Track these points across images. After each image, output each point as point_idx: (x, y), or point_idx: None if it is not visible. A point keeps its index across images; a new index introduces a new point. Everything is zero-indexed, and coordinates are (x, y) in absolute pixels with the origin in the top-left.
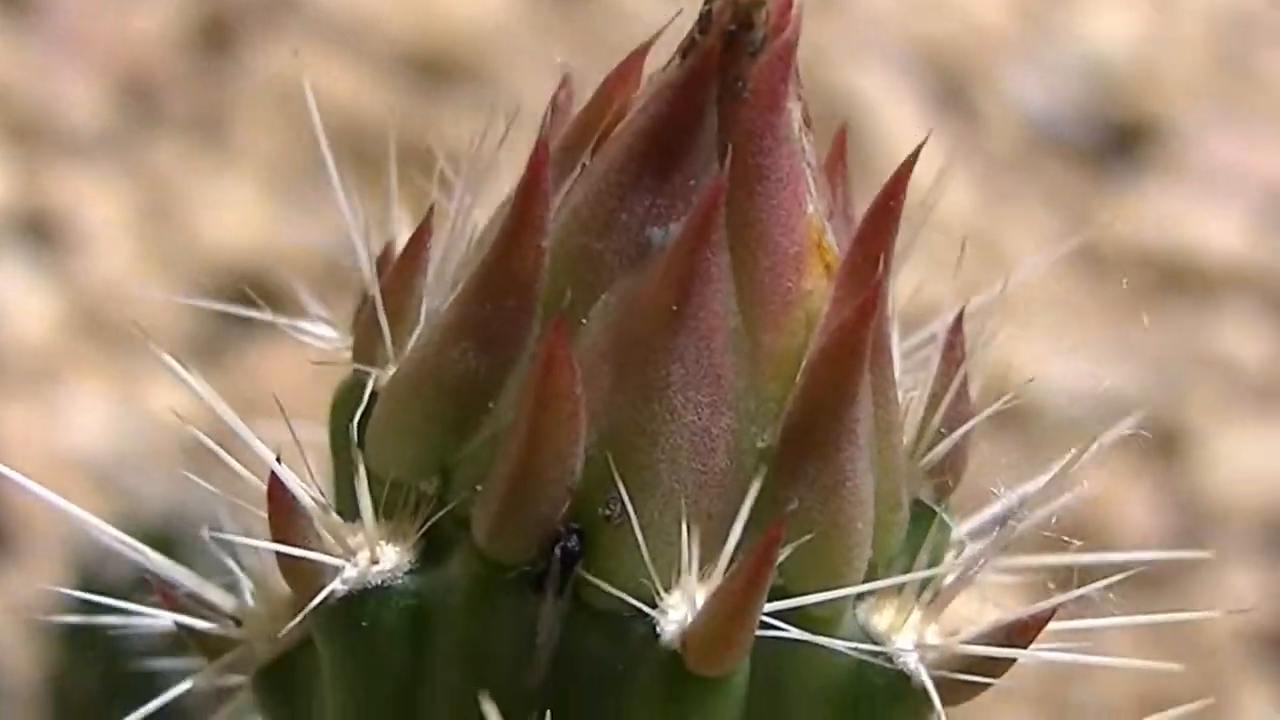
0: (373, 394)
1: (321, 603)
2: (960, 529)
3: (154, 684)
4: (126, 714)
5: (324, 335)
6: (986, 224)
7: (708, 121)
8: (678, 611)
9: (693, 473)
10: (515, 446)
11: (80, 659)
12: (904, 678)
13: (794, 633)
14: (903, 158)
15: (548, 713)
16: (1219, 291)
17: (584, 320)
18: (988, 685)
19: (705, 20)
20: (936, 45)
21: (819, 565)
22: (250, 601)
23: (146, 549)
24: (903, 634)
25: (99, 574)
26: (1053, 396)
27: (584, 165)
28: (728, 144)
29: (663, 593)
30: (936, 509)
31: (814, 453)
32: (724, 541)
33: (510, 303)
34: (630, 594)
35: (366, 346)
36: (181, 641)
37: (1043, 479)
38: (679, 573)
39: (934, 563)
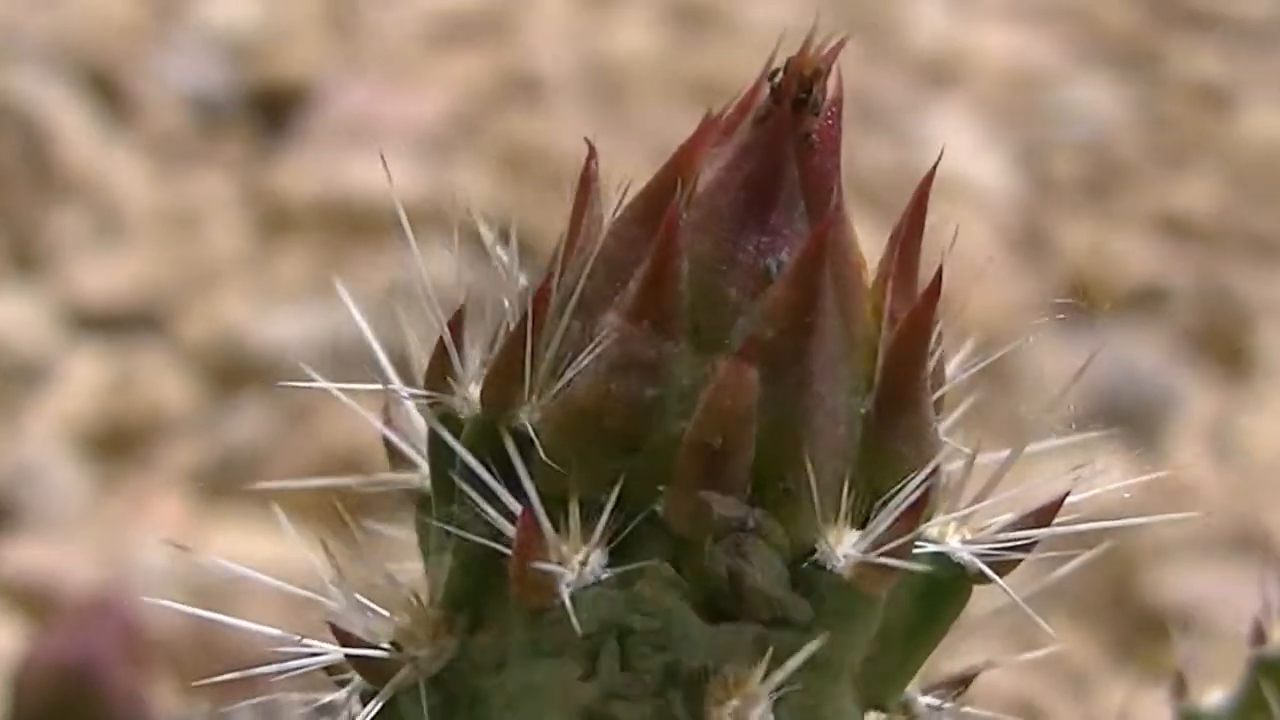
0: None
1: (544, 609)
2: None
3: None
4: None
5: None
6: (170, 201)
7: (789, 171)
8: (846, 548)
9: (833, 441)
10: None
11: None
12: (960, 567)
13: (929, 547)
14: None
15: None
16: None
17: (726, 341)
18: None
19: (777, 91)
20: (79, 45)
21: None
22: (397, 623)
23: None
24: (951, 538)
25: None
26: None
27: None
28: (830, 185)
29: (830, 539)
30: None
31: (905, 409)
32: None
33: (664, 340)
34: (809, 542)
35: (504, 391)
36: None
37: None
38: (839, 520)
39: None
